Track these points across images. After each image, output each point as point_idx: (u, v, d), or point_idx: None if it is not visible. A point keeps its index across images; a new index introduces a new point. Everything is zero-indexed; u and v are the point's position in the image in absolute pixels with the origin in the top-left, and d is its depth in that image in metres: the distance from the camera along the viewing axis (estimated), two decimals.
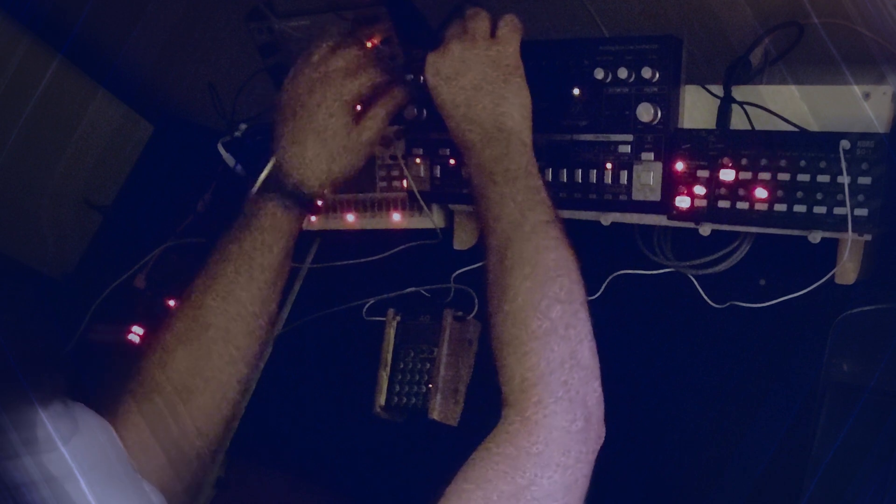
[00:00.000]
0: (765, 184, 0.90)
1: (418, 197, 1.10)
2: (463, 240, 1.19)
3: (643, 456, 1.01)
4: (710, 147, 0.92)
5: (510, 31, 0.92)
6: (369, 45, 1.07)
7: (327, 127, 0.96)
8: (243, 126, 1.38)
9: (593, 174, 0.99)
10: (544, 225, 0.83)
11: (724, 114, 0.97)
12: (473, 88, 0.89)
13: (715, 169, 0.92)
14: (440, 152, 1.07)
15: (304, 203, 0.96)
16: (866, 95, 0.91)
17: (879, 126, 0.89)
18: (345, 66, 0.98)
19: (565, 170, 1.00)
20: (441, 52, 0.92)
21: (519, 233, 0.83)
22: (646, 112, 0.94)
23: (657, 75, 0.93)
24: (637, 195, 0.97)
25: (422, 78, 0.94)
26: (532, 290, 0.80)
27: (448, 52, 0.91)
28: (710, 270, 1.03)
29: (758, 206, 0.90)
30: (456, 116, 0.90)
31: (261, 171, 0.99)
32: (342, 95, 0.96)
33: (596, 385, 0.81)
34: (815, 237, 0.90)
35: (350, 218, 1.23)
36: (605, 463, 1.02)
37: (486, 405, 1.12)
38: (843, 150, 0.85)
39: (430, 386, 1.09)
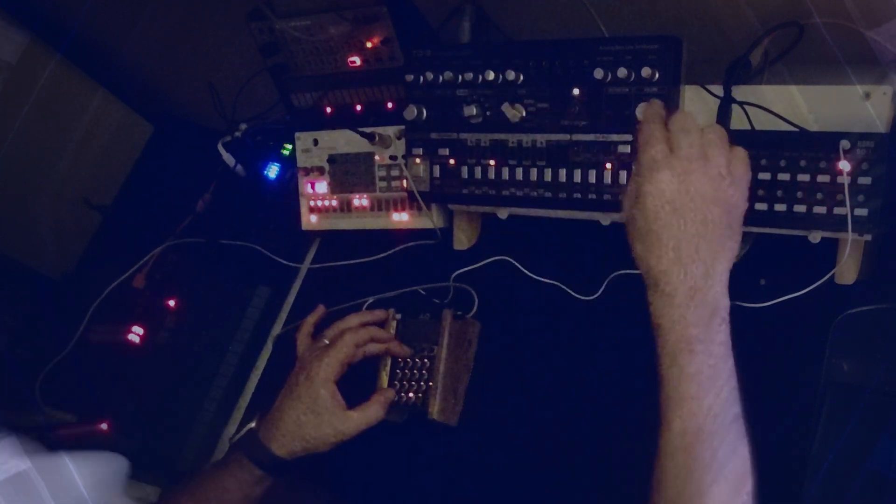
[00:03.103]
0: (765, 184, 0.90)
1: (418, 197, 1.10)
2: (462, 240, 1.19)
3: (643, 455, 1.01)
4: None
5: (744, 167, 0.82)
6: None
7: (308, 408, 1.04)
8: (243, 126, 1.39)
9: (593, 174, 0.99)
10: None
11: (724, 114, 0.97)
12: (695, 224, 0.79)
13: None
14: (440, 152, 1.07)
15: (266, 466, 1.04)
16: (866, 95, 0.91)
17: (880, 126, 0.89)
18: (324, 345, 1.09)
19: (565, 170, 1.00)
20: (652, 178, 0.79)
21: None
22: None
23: (657, 75, 0.93)
24: None
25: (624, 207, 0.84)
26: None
27: (665, 180, 0.79)
28: None
29: (758, 206, 0.90)
30: (655, 242, 0.80)
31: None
32: (319, 374, 1.05)
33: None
34: (815, 237, 0.90)
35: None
36: (605, 462, 1.02)
37: (486, 405, 1.12)
38: (843, 150, 0.85)
39: (430, 385, 1.09)
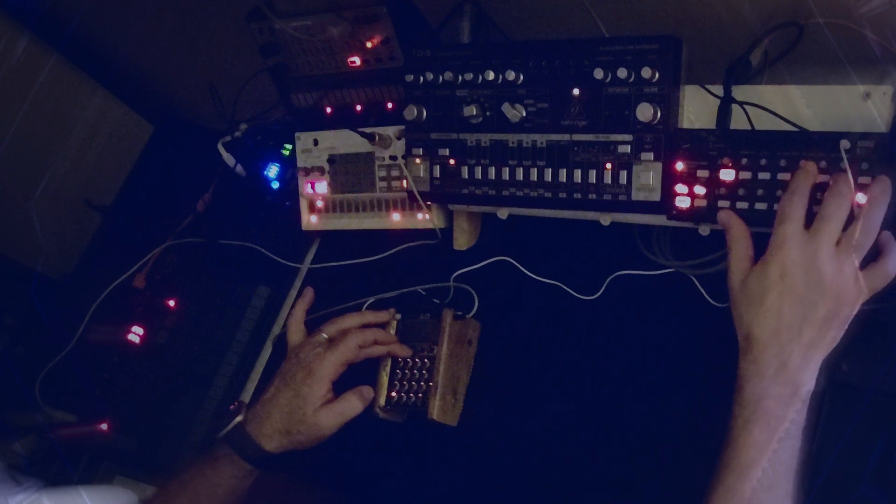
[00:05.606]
0: (765, 184, 0.90)
1: (418, 197, 1.10)
2: (462, 240, 1.19)
3: (644, 455, 1.01)
4: (710, 147, 0.92)
5: (883, 279, 0.82)
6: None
7: (301, 404, 1.05)
8: (243, 126, 1.39)
9: (593, 174, 0.99)
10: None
11: (724, 114, 0.97)
12: (798, 298, 0.81)
13: (715, 169, 0.92)
14: (440, 152, 1.07)
15: (254, 460, 1.05)
16: (867, 95, 0.91)
17: (880, 125, 0.89)
18: (324, 343, 1.10)
19: (565, 170, 1.00)
20: (781, 249, 0.81)
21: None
22: (645, 112, 0.93)
23: (657, 75, 0.93)
24: (637, 195, 0.97)
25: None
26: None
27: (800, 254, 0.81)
28: (709, 270, 1.03)
29: (758, 206, 0.90)
30: (758, 312, 0.83)
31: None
32: (318, 373, 1.06)
33: None
34: None
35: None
36: (605, 462, 1.03)
37: (486, 405, 1.12)
38: (844, 149, 0.85)
39: (430, 385, 1.09)
